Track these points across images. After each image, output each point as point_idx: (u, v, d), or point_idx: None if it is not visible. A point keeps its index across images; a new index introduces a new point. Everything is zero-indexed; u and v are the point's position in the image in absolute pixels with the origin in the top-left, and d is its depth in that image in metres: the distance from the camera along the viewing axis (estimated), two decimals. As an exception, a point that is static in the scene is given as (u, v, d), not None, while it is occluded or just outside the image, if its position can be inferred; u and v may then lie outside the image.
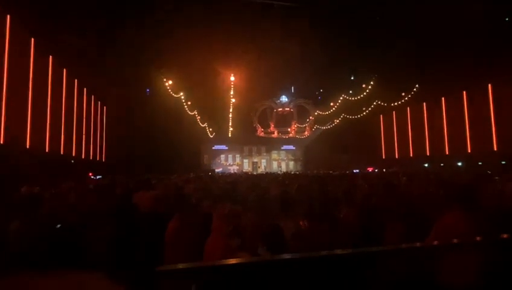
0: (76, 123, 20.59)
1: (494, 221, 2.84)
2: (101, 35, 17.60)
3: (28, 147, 14.59)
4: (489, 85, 21.00)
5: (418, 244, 2.38)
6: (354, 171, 23.72)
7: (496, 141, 20.67)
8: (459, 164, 21.90)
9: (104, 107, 27.29)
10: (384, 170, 23.41)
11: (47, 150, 16.56)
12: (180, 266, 1.28)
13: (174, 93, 26.60)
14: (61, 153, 18.40)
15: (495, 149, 20.56)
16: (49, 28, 15.45)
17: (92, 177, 17.52)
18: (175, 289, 2.70)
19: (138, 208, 4.06)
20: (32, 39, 15.09)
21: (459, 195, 2.98)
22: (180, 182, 8.58)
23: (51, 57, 17.19)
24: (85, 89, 22.29)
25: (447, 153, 24.39)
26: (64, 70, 19.06)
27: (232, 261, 1.51)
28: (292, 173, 25.97)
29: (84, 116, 22.26)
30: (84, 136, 22.12)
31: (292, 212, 3.22)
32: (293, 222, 3.15)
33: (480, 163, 19.88)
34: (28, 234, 2.51)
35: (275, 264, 1.63)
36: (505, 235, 1.79)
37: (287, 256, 2.21)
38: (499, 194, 3.86)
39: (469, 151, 22.51)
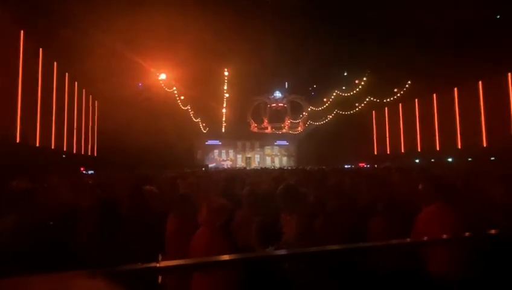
0: (67, 117, 20.35)
1: (477, 216, 2.91)
2: (92, 28, 17.35)
3: (18, 141, 14.40)
4: (480, 82, 21.27)
5: (407, 240, 2.44)
6: (346, 166, 23.93)
7: (485, 137, 20.99)
8: (450, 159, 22.21)
9: (96, 102, 26.99)
10: (376, 165, 23.62)
11: (38, 145, 16.37)
12: (179, 262, 1.30)
13: (167, 88, 26.40)
14: (52, 147, 18.20)
15: (485, 145, 20.89)
16: (39, 20, 15.17)
17: (84, 172, 17.39)
18: (174, 284, 2.72)
19: (142, 204, 4.04)
20: (22, 31, 14.81)
21: (442, 190, 3.06)
22: (174, 178, 8.55)
23: (41, 49, 16.91)
24: (76, 82, 22.01)
25: (438, 149, 24.70)
26: (55, 63, 18.79)
27: (226, 257, 1.53)
28: (285, 168, 26.03)
29: (76, 110, 22.01)
30: (75, 130, 21.89)
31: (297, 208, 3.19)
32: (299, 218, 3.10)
33: (470, 159, 20.19)
34: (23, 232, 2.51)
35: (269, 259, 1.67)
36: (493, 231, 1.85)
37: (280, 252, 2.25)
38: (483, 191, 3.94)
39: (459, 147, 22.82)
